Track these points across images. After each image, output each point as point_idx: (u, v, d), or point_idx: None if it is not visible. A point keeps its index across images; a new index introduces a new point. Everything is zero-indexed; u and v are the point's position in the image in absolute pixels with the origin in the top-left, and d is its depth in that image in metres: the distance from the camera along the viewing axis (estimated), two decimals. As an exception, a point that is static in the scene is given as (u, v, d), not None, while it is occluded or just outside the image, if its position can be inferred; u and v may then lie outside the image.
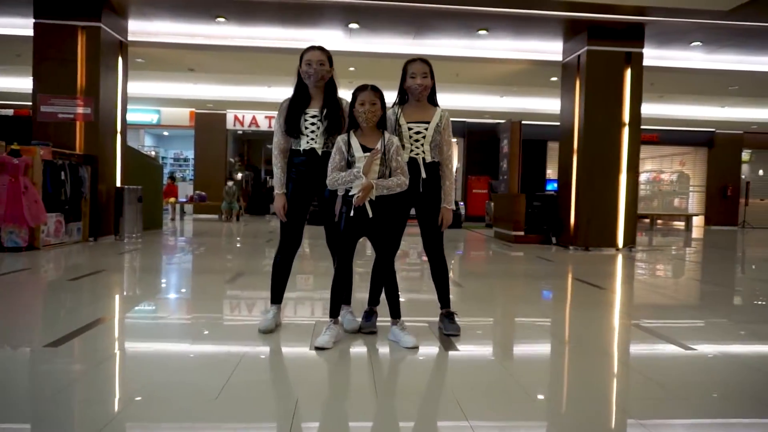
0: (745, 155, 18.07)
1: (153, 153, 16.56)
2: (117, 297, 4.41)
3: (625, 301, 4.82)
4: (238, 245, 8.83)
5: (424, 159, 3.11)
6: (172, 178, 14.89)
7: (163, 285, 5.15)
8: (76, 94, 7.85)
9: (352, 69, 10.84)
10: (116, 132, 8.54)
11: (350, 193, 2.87)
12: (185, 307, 4.16)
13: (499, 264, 7.42)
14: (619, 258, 7.85)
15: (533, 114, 14.92)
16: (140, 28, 8.88)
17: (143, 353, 2.84)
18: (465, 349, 2.95)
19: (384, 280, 3.03)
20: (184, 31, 9.03)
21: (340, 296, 3.04)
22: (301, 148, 3.12)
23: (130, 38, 8.85)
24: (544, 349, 3.19)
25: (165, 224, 12.67)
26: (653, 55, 9.31)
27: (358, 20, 8.49)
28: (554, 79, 11.06)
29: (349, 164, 2.88)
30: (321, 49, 3.13)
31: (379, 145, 2.87)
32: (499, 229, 10.50)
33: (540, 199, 10.13)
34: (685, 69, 10.17)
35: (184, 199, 14.47)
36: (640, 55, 8.59)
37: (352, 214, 2.86)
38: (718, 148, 17.65)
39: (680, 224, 17.80)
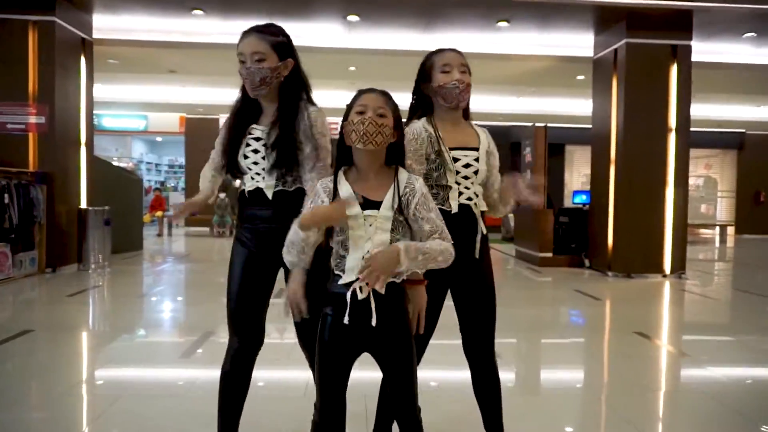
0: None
1: (130, 165, 15.35)
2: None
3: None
4: (222, 278, 7.52)
5: (477, 206, 1.94)
6: (159, 189, 13.72)
7: (98, 359, 3.95)
8: (27, 100, 6.68)
9: (352, 68, 9.65)
10: (79, 144, 7.35)
11: (343, 279, 1.53)
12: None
13: (531, 304, 6.19)
14: (667, 287, 6.63)
15: (551, 116, 13.64)
16: (107, 24, 7.67)
17: None
18: None
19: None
20: (157, 27, 7.82)
21: None
22: (246, 189, 1.96)
23: (96, 35, 7.66)
24: None
25: (153, 240, 11.53)
26: (697, 50, 8.06)
27: (358, 11, 7.29)
28: (581, 77, 9.82)
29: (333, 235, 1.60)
30: (260, 31, 1.89)
31: (389, 196, 1.56)
32: (522, 249, 9.25)
33: (567, 213, 8.90)
34: (732, 64, 8.92)
35: (172, 213, 13.29)
36: (688, 49, 7.35)
37: (346, 320, 1.50)
38: (749, 150, 16.32)
39: (709, 233, 16.55)
